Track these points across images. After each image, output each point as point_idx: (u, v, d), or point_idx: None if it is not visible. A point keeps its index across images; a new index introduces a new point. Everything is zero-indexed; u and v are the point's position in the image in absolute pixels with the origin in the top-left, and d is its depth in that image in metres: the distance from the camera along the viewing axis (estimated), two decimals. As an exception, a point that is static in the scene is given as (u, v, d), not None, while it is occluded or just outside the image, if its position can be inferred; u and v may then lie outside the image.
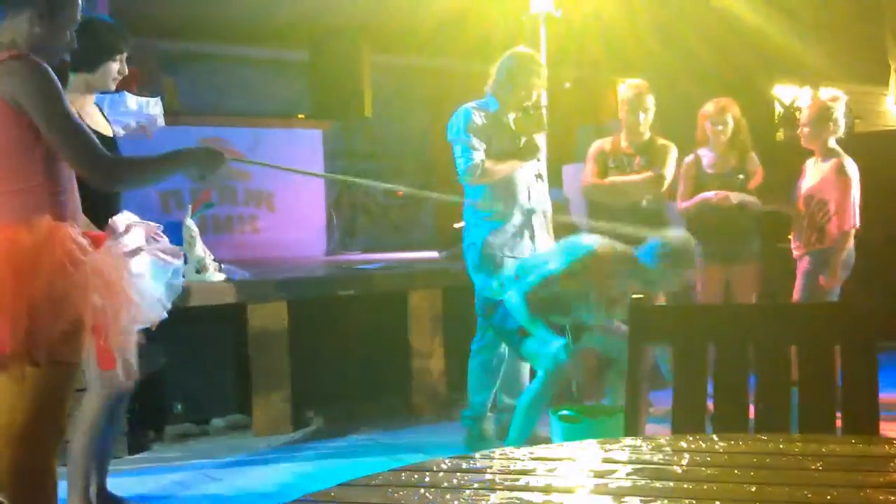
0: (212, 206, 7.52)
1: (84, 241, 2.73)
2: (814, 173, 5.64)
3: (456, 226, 8.24)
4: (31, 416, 2.66)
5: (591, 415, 4.50)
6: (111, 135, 3.88)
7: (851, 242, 5.56)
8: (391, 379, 6.05)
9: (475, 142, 4.85)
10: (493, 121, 4.95)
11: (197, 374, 5.51)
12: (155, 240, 3.20)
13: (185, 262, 5.07)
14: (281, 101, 9.88)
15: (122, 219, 3.12)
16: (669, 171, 5.53)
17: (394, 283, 6.07)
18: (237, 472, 4.86)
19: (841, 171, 5.51)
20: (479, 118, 4.91)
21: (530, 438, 4.67)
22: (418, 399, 6.01)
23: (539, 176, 5.13)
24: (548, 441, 4.62)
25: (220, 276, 5.40)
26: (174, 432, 5.47)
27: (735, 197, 5.64)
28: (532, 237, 5.00)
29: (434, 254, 8.41)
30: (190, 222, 5.34)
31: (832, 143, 5.59)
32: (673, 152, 5.58)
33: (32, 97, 2.65)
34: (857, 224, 5.53)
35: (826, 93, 7.20)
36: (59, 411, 2.73)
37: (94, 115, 3.83)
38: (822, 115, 5.60)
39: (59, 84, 2.73)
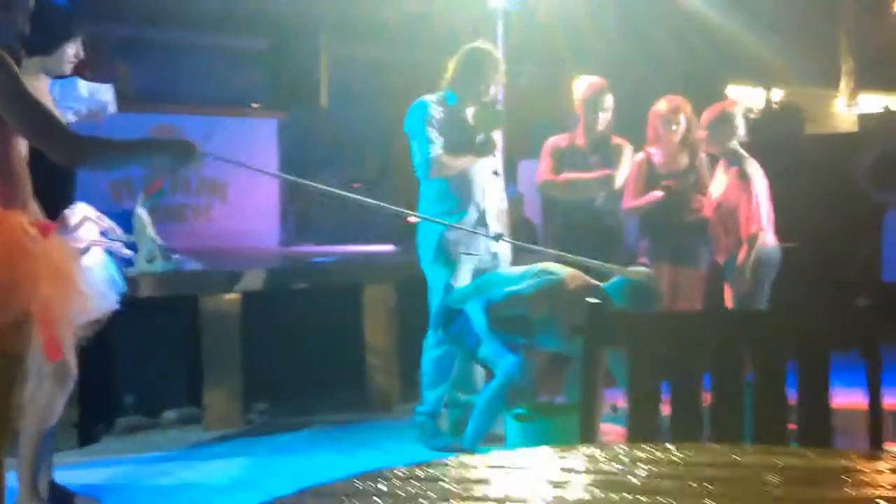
0: (163, 194, 7.42)
1: (33, 231, 2.67)
2: (720, 181, 5.58)
3: (410, 219, 8.24)
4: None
5: (547, 413, 4.51)
6: (64, 121, 3.81)
7: (767, 243, 5.44)
8: (345, 373, 6.02)
9: (433, 135, 4.84)
10: (450, 114, 4.94)
11: (148, 365, 5.45)
12: (107, 233, 3.15)
13: (136, 251, 5.03)
14: (236, 90, 9.79)
15: (76, 211, 3.06)
16: (623, 172, 5.54)
17: (348, 276, 6.03)
18: (187, 465, 4.81)
19: (743, 175, 5.43)
20: (436, 111, 4.90)
21: (485, 437, 4.67)
22: (372, 394, 5.99)
23: (495, 172, 5.12)
24: (503, 440, 4.62)
25: (172, 267, 5.33)
26: (125, 424, 5.40)
27: (680, 185, 5.67)
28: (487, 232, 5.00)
29: (389, 247, 8.39)
30: (141, 211, 5.26)
31: (734, 145, 5.53)
32: (628, 152, 5.59)
33: None
34: (763, 226, 5.41)
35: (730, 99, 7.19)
36: (6, 403, 2.67)
37: (48, 101, 3.76)
38: (722, 118, 5.53)
39: (15, 66, 2.67)
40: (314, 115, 10.07)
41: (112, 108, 4.35)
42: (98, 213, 3.39)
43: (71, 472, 4.29)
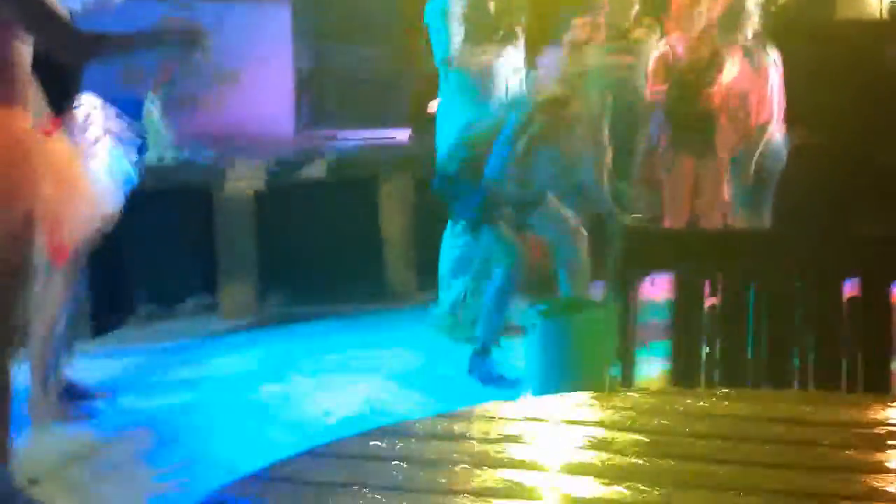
0: (174, 84, 7.28)
1: (35, 132, 2.59)
2: (730, 70, 5.27)
3: (430, 107, 8.07)
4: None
5: (571, 310, 4.36)
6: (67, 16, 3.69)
7: (775, 137, 5.28)
8: (361, 266, 5.99)
9: (453, 27, 4.62)
10: (470, 2, 4.69)
11: (163, 256, 5.42)
12: (114, 126, 3.07)
13: (146, 144, 4.96)
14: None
15: (83, 104, 2.97)
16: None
17: (365, 167, 5.93)
18: (205, 354, 4.81)
19: (756, 63, 5.20)
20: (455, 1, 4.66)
21: (507, 332, 4.59)
22: (388, 287, 5.96)
23: (518, 69, 4.90)
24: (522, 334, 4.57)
25: (185, 157, 5.26)
26: (140, 314, 5.40)
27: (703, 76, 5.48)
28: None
29: (406, 132, 8.24)
30: (151, 102, 5.16)
31: (746, 35, 5.27)
32: (653, 41, 5.41)
33: None
34: (774, 118, 5.25)
35: None
36: (12, 308, 2.63)
37: None
38: (729, 11, 5.25)
39: None
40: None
41: (118, -5, 4.22)
42: (105, 105, 3.30)
43: (85, 364, 4.25)
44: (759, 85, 5.22)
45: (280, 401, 4.15)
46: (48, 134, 2.65)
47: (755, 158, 5.28)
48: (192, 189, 5.31)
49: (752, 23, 5.30)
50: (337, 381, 4.37)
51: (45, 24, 2.56)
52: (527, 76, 5.28)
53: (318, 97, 10.61)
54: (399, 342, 4.92)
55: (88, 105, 3.12)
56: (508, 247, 4.38)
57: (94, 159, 2.75)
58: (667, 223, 5.42)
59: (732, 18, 5.27)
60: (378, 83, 10.79)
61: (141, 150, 3.59)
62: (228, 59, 8.36)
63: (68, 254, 2.65)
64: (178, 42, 2.99)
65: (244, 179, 5.42)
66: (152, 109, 5.10)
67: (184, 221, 5.51)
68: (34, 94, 2.67)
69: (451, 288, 4.95)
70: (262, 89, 9.02)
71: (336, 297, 5.76)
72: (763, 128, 5.22)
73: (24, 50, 2.60)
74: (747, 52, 5.27)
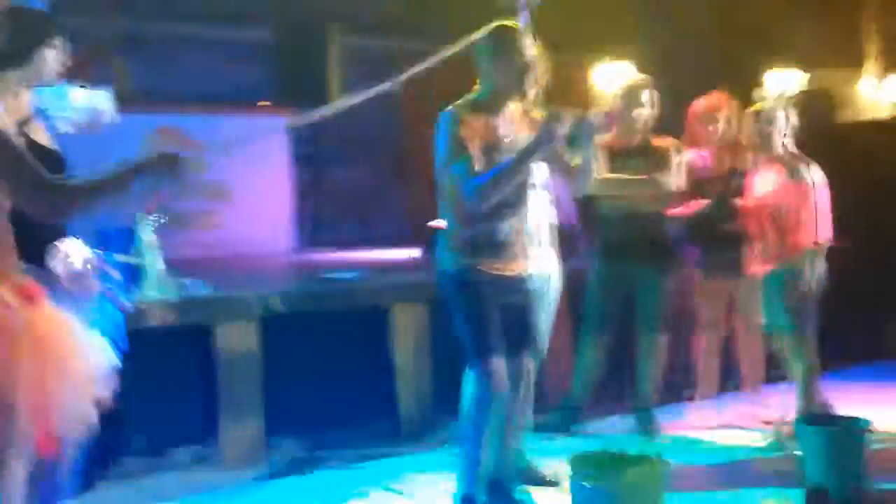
0: (166, 211, 6.87)
1: (14, 300, 2.10)
2: (768, 180, 4.95)
3: (431, 224, 7.68)
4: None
5: (615, 466, 3.73)
6: (55, 148, 3.25)
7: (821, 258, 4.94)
8: (374, 402, 5.48)
9: (468, 153, 3.79)
10: (485, 118, 3.87)
11: (157, 402, 4.89)
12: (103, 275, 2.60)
13: (138, 278, 4.49)
14: (241, 86, 9.23)
15: (66, 251, 2.50)
16: (670, 174, 5.02)
17: (375, 296, 5.47)
18: None
19: (798, 176, 4.85)
20: (468, 121, 3.83)
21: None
22: (405, 423, 5.45)
23: (532, 185, 4.20)
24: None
25: (182, 294, 4.79)
26: (131, 468, 4.83)
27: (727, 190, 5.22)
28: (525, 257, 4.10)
29: (409, 252, 7.83)
30: (145, 230, 4.71)
31: (779, 141, 4.93)
32: (674, 154, 5.08)
33: None
34: (825, 235, 4.90)
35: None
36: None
37: (31, 123, 3.20)
38: (758, 115, 4.94)
39: None
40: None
41: (110, 115, 3.82)
42: (90, 251, 2.82)
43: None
44: (799, 200, 4.84)
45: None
46: (31, 300, 2.17)
47: (802, 279, 4.85)
48: (190, 327, 4.83)
49: (779, 128, 4.94)
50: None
51: (16, 181, 2.12)
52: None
53: (317, 212, 10.27)
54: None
55: (74, 251, 2.65)
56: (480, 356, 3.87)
57: (81, 328, 2.27)
58: None
59: (763, 131, 4.93)
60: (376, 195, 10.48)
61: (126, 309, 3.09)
62: (220, 171, 8.01)
63: (56, 448, 2.15)
64: (167, 168, 2.60)
65: (245, 317, 4.94)
66: (147, 241, 4.64)
67: (182, 362, 5.01)
68: (12, 251, 2.19)
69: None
70: (257, 204, 8.66)
71: (351, 439, 5.25)
72: (822, 246, 4.83)
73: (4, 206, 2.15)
74: (787, 166, 4.89)
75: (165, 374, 4.94)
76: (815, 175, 4.88)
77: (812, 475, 3.96)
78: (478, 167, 3.76)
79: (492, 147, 3.83)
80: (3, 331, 2.04)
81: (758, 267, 5.00)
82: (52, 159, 2.92)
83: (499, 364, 3.84)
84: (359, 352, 5.52)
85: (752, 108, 5.03)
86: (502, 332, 3.88)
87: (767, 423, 5.19)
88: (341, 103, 3.81)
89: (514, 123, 3.94)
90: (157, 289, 4.66)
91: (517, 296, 3.95)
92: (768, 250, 4.94)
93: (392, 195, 10.29)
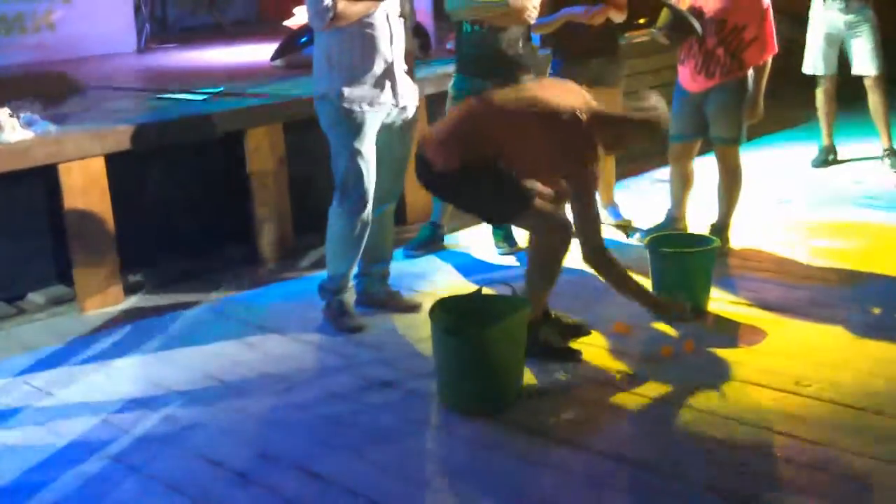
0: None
1: None
2: None
3: (286, 23, 7.36)
4: None
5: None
6: None
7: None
8: (233, 229, 5.41)
9: None
10: None
11: (5, 245, 4.71)
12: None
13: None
14: None
15: None
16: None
17: (228, 123, 5.26)
18: (65, 375, 4.05)
19: None
20: None
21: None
22: (264, 249, 5.40)
23: (401, 16, 4.32)
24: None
25: (22, 134, 4.52)
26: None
27: (602, 15, 5.15)
28: (394, 86, 4.29)
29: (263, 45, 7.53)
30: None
31: None
32: None
33: None
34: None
35: None
36: None
37: None
38: None
39: None
40: None
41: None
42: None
43: None
44: (757, 12, 4.95)
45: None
46: None
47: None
48: (35, 169, 4.60)
49: None
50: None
51: None
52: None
53: (161, 6, 9.68)
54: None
55: None
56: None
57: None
58: None
59: None
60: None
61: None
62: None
63: None
64: None
65: (91, 152, 4.71)
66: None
67: (28, 205, 4.80)
68: None
69: (339, 269, 4.46)
70: (96, 1, 8.11)
71: (209, 268, 5.20)
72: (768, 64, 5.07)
73: None
74: None
75: (13, 220, 4.75)
76: None
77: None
78: None
79: None
80: None
81: (700, 83, 5.01)
82: None
83: (368, 194, 4.21)
84: (215, 178, 5.39)
85: None
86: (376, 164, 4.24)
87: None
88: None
89: None
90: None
91: (390, 127, 4.31)
92: (708, 67, 4.96)
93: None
